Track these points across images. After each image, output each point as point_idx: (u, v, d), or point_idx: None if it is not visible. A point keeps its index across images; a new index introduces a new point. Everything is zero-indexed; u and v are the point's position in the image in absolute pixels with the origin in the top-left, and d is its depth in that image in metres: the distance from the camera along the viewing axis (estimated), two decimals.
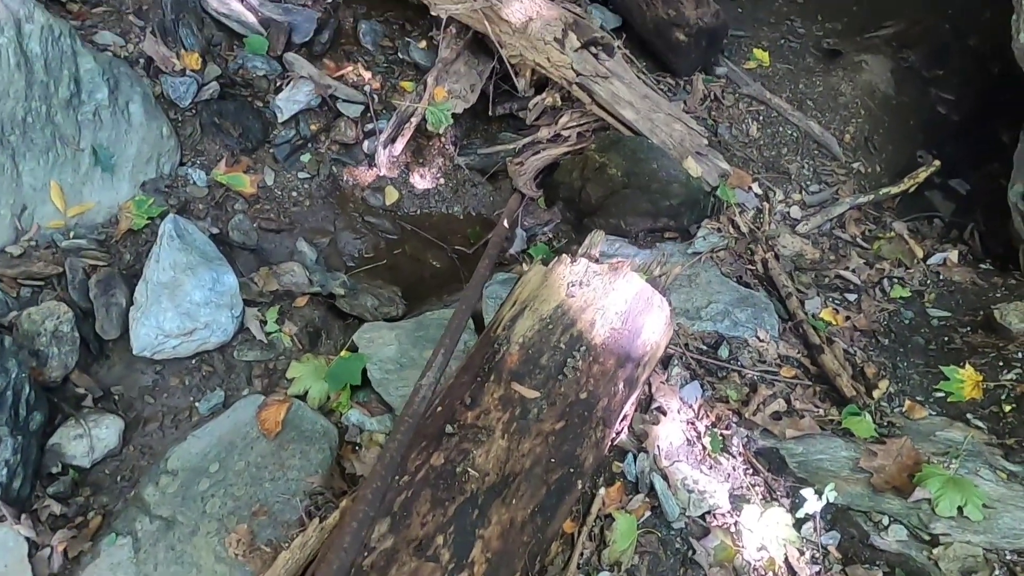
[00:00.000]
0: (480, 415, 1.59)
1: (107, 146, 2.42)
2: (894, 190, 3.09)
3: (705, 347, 2.31)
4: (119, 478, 1.98)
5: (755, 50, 3.77)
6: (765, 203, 2.89)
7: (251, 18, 2.94)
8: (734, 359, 2.28)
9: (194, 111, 2.67)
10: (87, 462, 1.97)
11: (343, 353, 2.28)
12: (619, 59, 2.81)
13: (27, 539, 1.76)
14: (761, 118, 3.32)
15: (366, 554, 1.41)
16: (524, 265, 2.56)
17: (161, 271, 2.23)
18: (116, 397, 2.10)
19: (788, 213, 2.91)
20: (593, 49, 2.70)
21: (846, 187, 3.09)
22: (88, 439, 1.98)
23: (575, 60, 2.68)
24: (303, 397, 2.18)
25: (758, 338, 2.34)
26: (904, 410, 2.18)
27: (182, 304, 2.20)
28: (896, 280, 2.65)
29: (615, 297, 1.78)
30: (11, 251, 2.18)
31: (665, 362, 2.20)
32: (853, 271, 2.67)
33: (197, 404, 2.15)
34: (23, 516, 1.78)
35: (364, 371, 2.21)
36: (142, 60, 2.63)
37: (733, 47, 3.79)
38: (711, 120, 3.20)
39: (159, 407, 2.12)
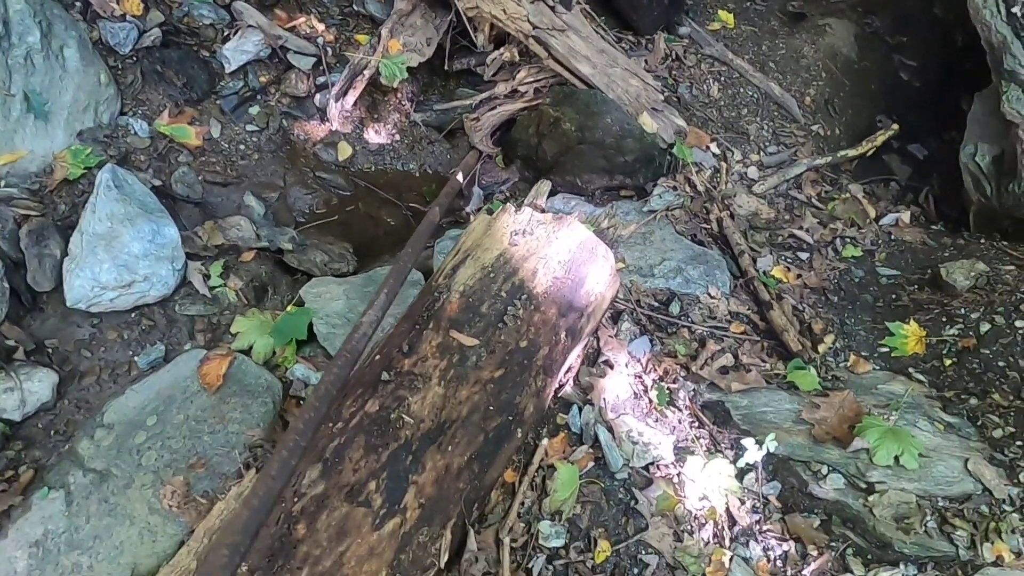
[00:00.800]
0: (417, 362, 1.57)
1: (40, 92, 2.31)
2: (852, 153, 3.09)
3: (656, 303, 2.31)
4: (52, 432, 1.93)
5: (720, 11, 3.73)
6: (723, 163, 2.88)
7: None
8: (684, 315, 2.27)
9: (135, 59, 2.56)
10: (18, 416, 1.91)
11: (289, 308, 2.24)
12: (577, 13, 2.75)
13: None
14: (722, 79, 3.29)
15: (296, 499, 1.38)
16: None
17: (97, 222, 2.15)
18: (50, 350, 2.04)
19: (745, 173, 2.90)
20: (550, 2, 2.64)
21: (804, 149, 3.09)
22: (19, 392, 1.92)
23: (532, 12, 2.62)
24: (248, 352, 2.13)
25: (709, 295, 2.34)
26: (849, 364, 2.20)
27: (119, 256, 2.12)
28: (848, 240, 2.67)
29: (558, 246, 1.75)
30: None
31: (615, 317, 2.19)
32: (807, 230, 2.68)
33: (136, 358, 2.09)
34: None
35: (311, 326, 2.17)
36: (78, 3, 2.51)
37: (698, 8, 3.74)
38: (672, 79, 3.17)
39: (96, 361, 2.06)
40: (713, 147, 2.91)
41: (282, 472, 1.33)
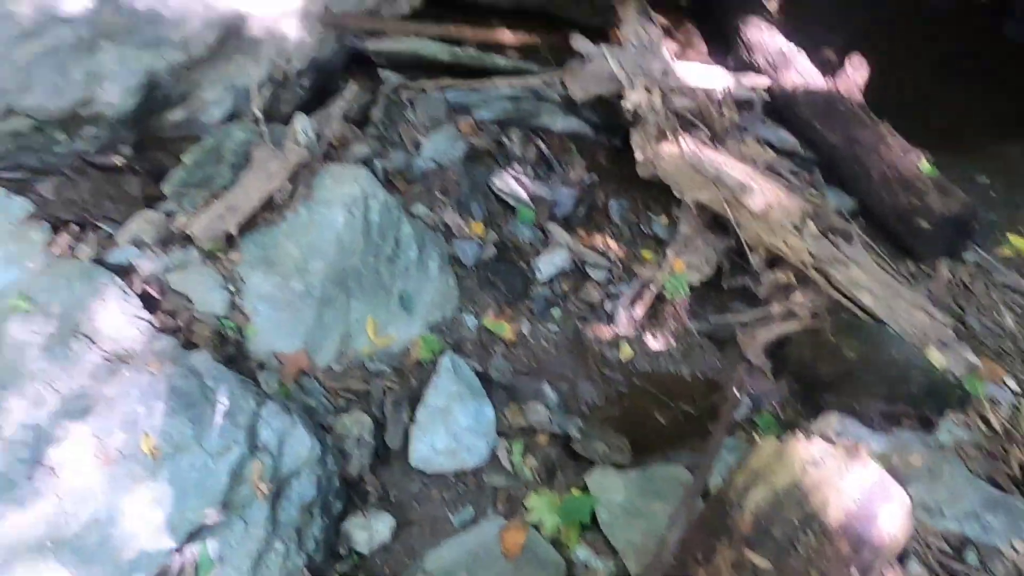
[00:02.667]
0: (713, 574, 1.73)
1: (410, 293, 3.07)
2: None
3: (949, 549, 2.20)
4: (387, 569, 2.37)
5: (1010, 236, 3.65)
6: (1022, 400, 2.72)
7: (524, 194, 3.59)
8: (984, 568, 2.13)
9: (474, 268, 3.28)
10: (366, 550, 2.39)
11: (574, 491, 2.55)
12: (857, 244, 2.94)
13: None
14: (1018, 309, 3.17)
15: None
16: (755, 435, 2.67)
17: (438, 398, 2.72)
18: (392, 499, 2.55)
19: None
20: (831, 236, 2.89)
21: None
22: (369, 531, 2.42)
23: (812, 245, 2.88)
24: (537, 526, 2.45)
25: (1014, 549, 2.17)
26: None
27: (451, 427, 2.65)
28: None
29: (851, 480, 1.85)
30: (335, 368, 2.82)
31: (902, 557, 2.14)
32: None
33: (452, 516, 2.52)
34: None
35: (593, 512, 2.45)
36: (442, 227, 3.34)
37: (984, 231, 3.70)
38: (958, 307, 3.14)
39: (423, 513, 2.53)
40: (1011, 383, 2.78)
41: None
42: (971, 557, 2.15)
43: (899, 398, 2.59)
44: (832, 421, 2.10)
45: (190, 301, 2.75)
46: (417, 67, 4.20)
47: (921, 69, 5.39)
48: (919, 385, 2.57)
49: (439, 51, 4.12)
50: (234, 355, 2.69)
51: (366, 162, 3.40)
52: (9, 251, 3.09)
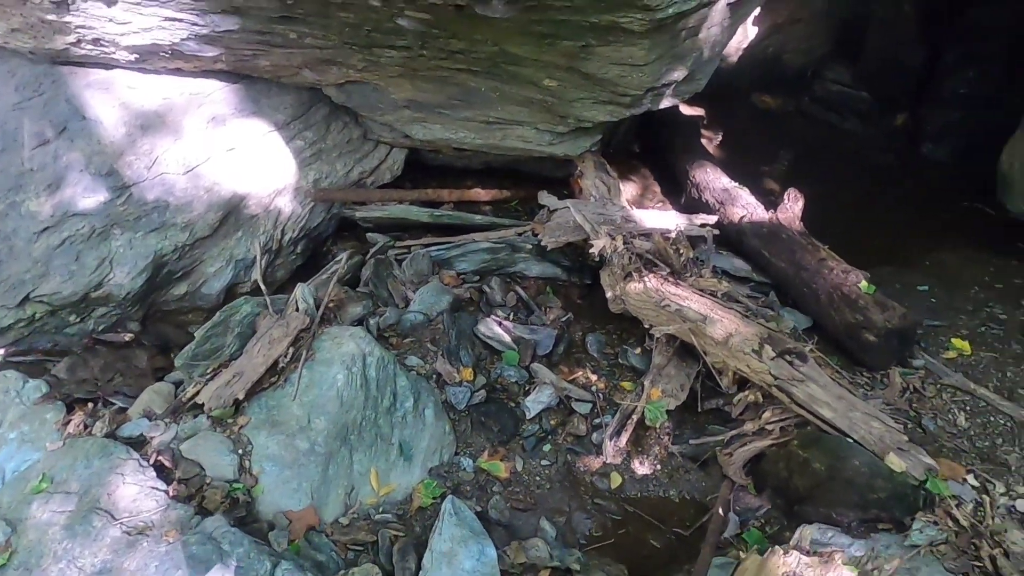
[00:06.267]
0: None
1: (409, 441, 3.27)
2: None
3: None
4: None
5: (953, 339, 3.98)
6: (984, 495, 2.93)
7: (507, 338, 3.89)
8: None
9: (467, 412, 3.51)
10: None
11: None
12: (812, 363, 3.25)
13: None
14: (968, 408, 3.44)
15: None
16: (741, 552, 2.82)
17: (442, 542, 2.85)
18: None
19: (1014, 507, 2.90)
20: (788, 357, 3.19)
21: None
22: None
23: (772, 367, 3.17)
24: None
25: None
26: None
27: (457, 571, 2.76)
28: None
29: None
30: (342, 521, 2.96)
31: None
32: None
33: None
34: None
35: None
36: (434, 375, 3.60)
37: (929, 337, 4.03)
38: (913, 412, 3.40)
39: None
40: (971, 479, 3.00)
41: None
42: None
43: (870, 504, 2.79)
44: (808, 533, 2.28)
45: (202, 468, 2.92)
46: (401, 228, 4.64)
47: (853, 192, 6.00)
48: (886, 491, 2.78)
49: (420, 213, 4.58)
50: (245, 517, 2.82)
51: (361, 321, 3.71)
52: (27, 432, 3.27)
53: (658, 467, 3.44)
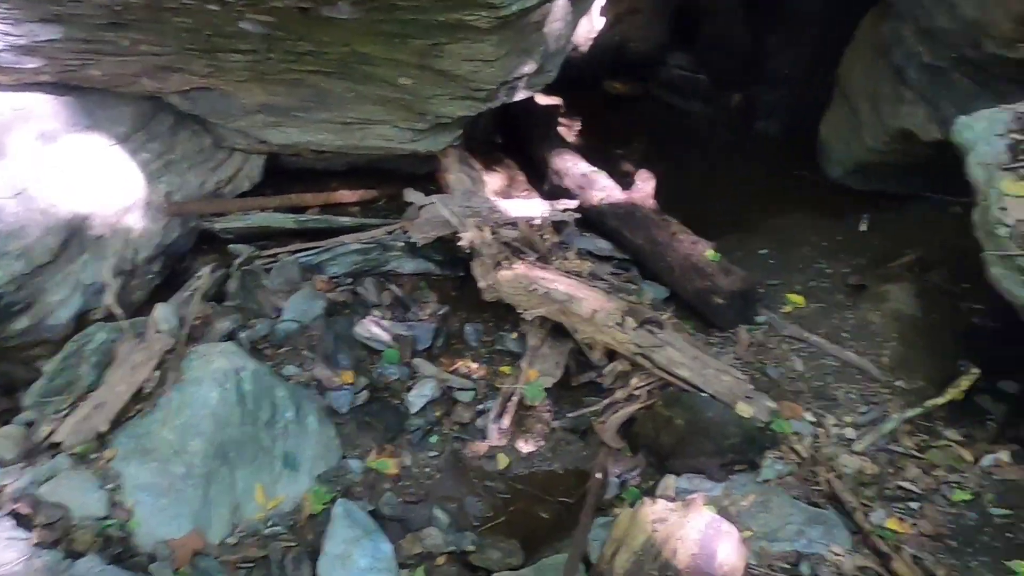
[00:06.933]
0: None
1: (294, 451, 3.23)
2: (939, 401, 3.47)
3: (788, 566, 2.65)
4: None
5: (789, 295, 4.45)
6: (820, 428, 3.34)
7: (386, 336, 3.92)
8: (815, 574, 2.59)
9: (351, 414, 3.51)
10: None
11: None
12: (670, 329, 3.54)
13: None
14: (804, 354, 3.88)
15: None
16: (618, 509, 3.05)
17: (336, 545, 2.86)
18: None
19: (843, 435, 3.33)
20: (648, 326, 3.47)
21: (893, 404, 3.51)
22: None
23: (635, 337, 3.43)
24: None
25: (833, 552, 2.66)
26: None
27: (352, 571, 2.79)
28: (955, 485, 2.95)
29: (690, 527, 2.26)
30: (229, 541, 2.89)
31: None
32: (912, 481, 3.00)
33: None
34: None
35: None
36: (314, 382, 3.57)
37: (770, 295, 4.48)
38: (758, 363, 3.80)
39: None
40: (808, 416, 3.41)
41: None
42: (805, 568, 2.61)
43: (726, 450, 3.11)
44: (671, 483, 2.53)
45: (67, 509, 2.74)
46: (266, 236, 4.52)
47: (699, 168, 6.51)
48: (738, 436, 3.11)
49: (285, 220, 4.48)
50: (121, 553, 2.70)
51: (231, 335, 3.60)
52: None
53: (541, 443, 3.62)
